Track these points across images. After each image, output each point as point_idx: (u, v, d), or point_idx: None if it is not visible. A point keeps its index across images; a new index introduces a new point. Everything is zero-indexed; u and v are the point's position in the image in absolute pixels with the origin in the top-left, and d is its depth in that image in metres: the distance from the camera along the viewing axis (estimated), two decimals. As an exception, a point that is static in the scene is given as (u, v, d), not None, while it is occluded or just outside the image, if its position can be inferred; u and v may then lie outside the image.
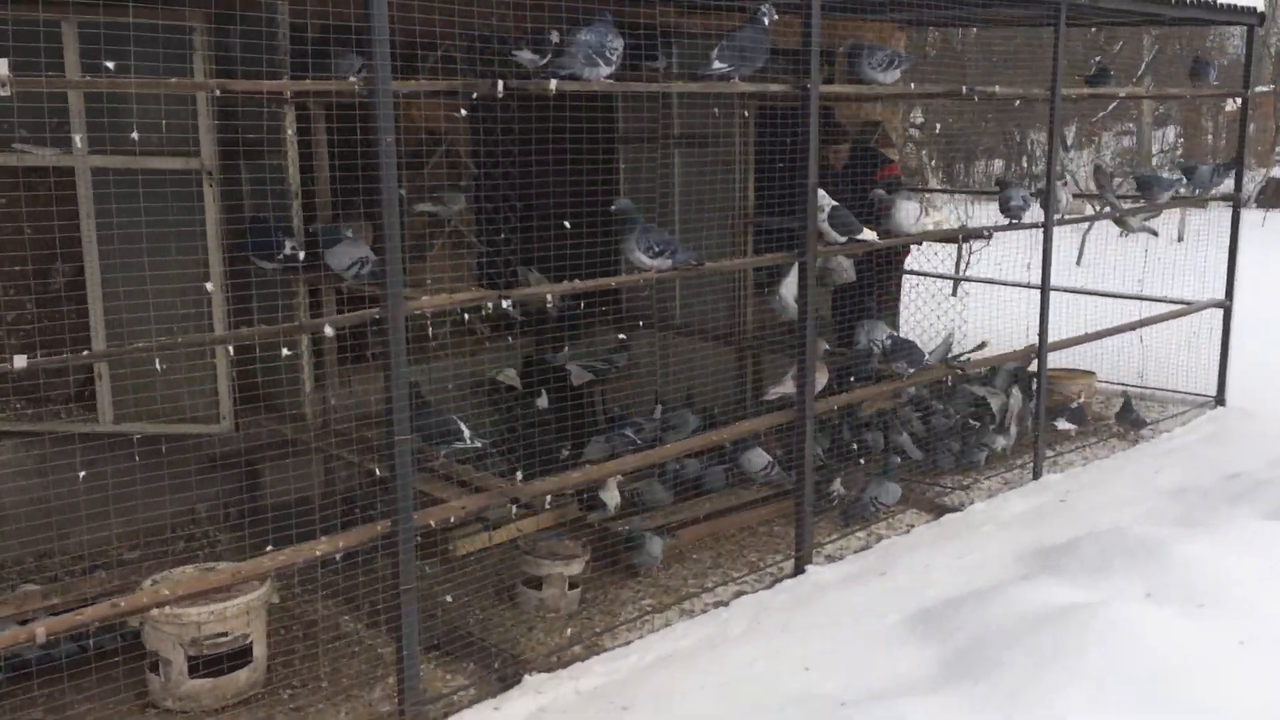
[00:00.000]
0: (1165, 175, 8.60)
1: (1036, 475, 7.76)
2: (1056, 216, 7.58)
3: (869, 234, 6.29)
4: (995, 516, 7.02)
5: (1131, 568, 5.54)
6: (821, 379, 6.33)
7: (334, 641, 5.33)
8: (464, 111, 5.38)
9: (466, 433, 5.45)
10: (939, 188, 21.29)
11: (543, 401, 7.10)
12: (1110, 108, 23.52)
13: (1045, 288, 7.65)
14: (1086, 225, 16.65)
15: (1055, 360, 8.99)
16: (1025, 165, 25.70)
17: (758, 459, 6.91)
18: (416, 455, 5.43)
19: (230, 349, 5.87)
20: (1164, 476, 7.70)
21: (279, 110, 5.71)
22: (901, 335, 7.44)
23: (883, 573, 6.14)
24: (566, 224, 5.67)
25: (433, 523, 4.65)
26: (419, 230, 7.72)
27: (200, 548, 6.26)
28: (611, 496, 6.33)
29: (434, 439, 5.40)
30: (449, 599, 5.49)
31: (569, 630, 5.53)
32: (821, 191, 6.15)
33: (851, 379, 6.74)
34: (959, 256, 15.60)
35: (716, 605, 5.81)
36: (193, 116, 5.82)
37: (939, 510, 7.17)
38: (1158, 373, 9.88)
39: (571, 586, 5.75)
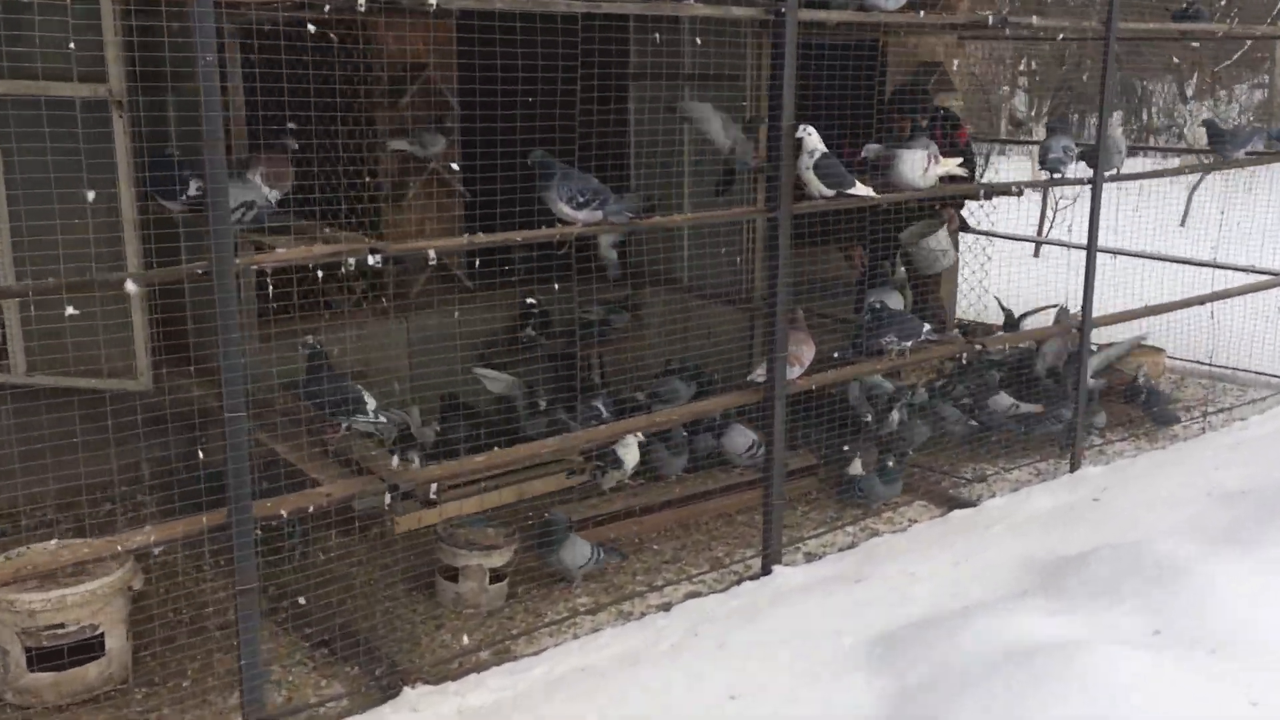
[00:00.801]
0: (1245, 127, 7.44)
1: (1074, 467, 6.82)
2: (1109, 172, 6.58)
3: (863, 189, 5.42)
4: (1011, 515, 6.13)
5: (1143, 595, 4.65)
6: (807, 353, 5.51)
7: (218, 632, 4.78)
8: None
9: (370, 405, 4.81)
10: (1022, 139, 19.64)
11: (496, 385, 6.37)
12: (1235, 56, 21.61)
13: (1091, 251, 6.65)
14: (1194, 182, 15.29)
15: (1111, 334, 8.02)
16: (1145, 117, 23.98)
17: (740, 439, 6.14)
18: (313, 427, 4.85)
19: (139, 298, 5.33)
20: (1223, 475, 6.67)
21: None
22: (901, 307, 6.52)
23: (859, 579, 5.34)
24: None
25: (284, 513, 4.02)
26: (395, 173, 7.09)
27: (109, 516, 5.76)
28: (630, 454, 5.77)
29: (332, 410, 4.77)
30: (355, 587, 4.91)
31: (477, 633, 4.89)
32: (810, 130, 5.31)
33: (835, 355, 5.89)
34: (1042, 214, 14.41)
35: (659, 609, 5.10)
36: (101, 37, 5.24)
37: (950, 504, 6.32)
38: (1236, 350, 8.75)
39: (496, 579, 5.10)
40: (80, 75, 5.19)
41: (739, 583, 5.36)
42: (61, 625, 4.24)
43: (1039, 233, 13.64)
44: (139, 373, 5.68)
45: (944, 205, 7.41)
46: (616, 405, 6.57)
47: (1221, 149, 7.15)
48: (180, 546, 5.13)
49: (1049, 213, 14.23)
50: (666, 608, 5.13)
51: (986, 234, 8.53)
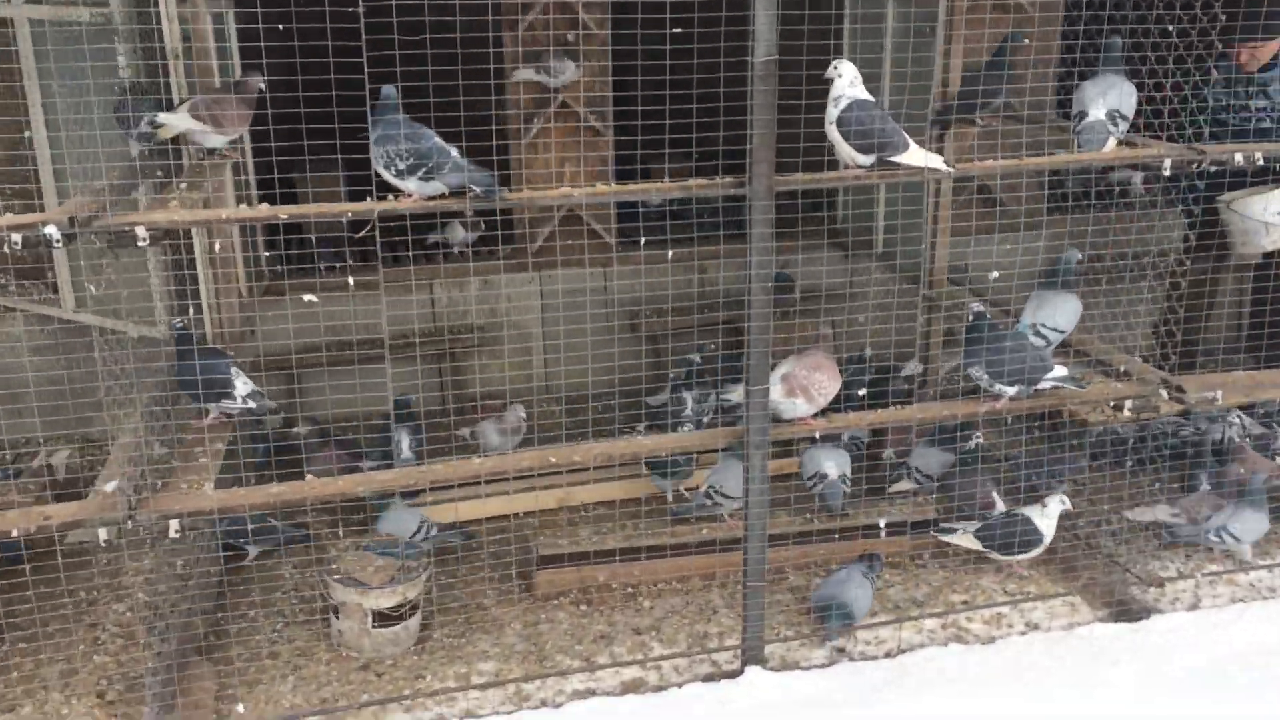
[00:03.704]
0: None
1: (1357, 579, 4.55)
2: None
3: (918, 154, 3.65)
4: (1206, 644, 4.14)
5: None
6: (823, 384, 3.91)
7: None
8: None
9: (240, 389, 3.98)
10: None
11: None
12: None
13: None
14: None
15: None
16: None
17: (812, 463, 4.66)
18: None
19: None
20: None
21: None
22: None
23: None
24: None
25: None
26: (523, 106, 6.10)
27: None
28: None
29: (198, 396, 4.00)
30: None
31: (326, 688, 3.96)
32: (841, 67, 3.69)
33: (859, 391, 4.18)
34: None
35: (573, 698, 3.89)
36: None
37: (1112, 607, 4.39)
38: None
39: (386, 621, 4.12)
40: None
41: (696, 681, 3.98)
42: None
43: None
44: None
45: None
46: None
47: None
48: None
49: None
50: (585, 696, 3.91)
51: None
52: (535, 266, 6.34)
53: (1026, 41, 4.53)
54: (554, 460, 3.83)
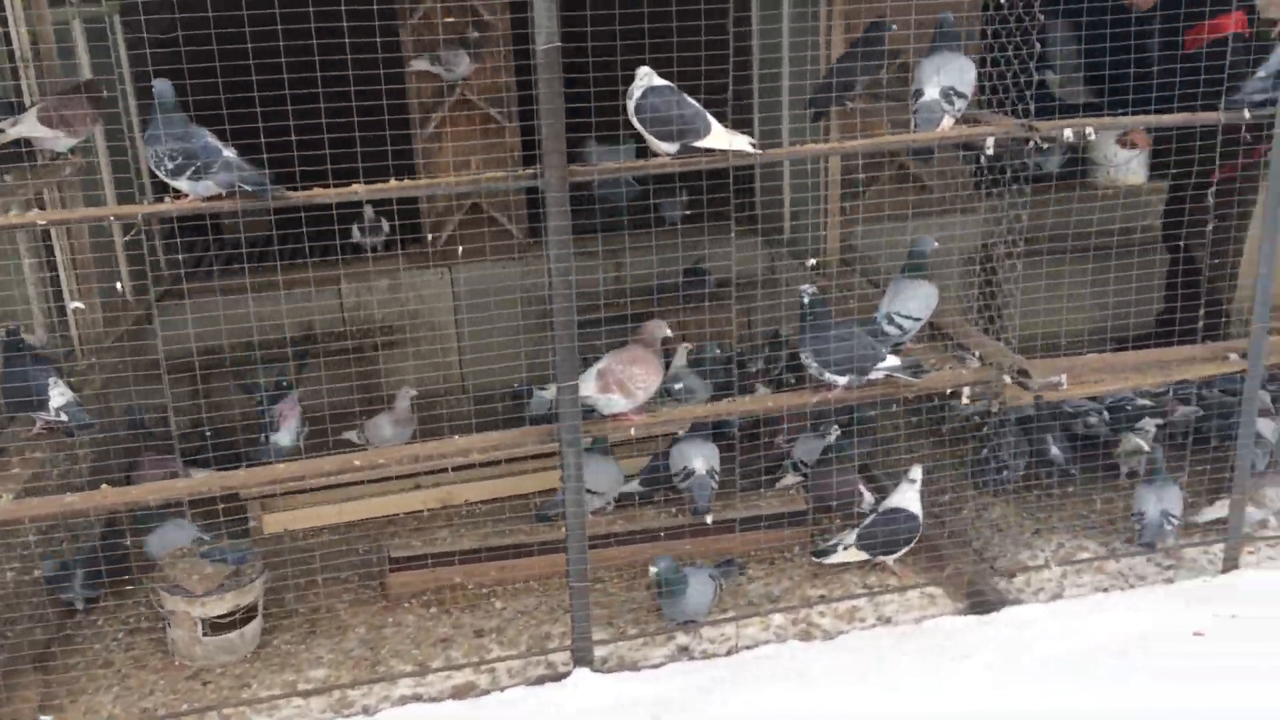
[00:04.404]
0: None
1: (1229, 565, 4.38)
2: None
3: (722, 137, 3.54)
4: (1065, 638, 4.01)
5: None
6: (643, 379, 3.81)
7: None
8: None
9: (56, 400, 3.94)
10: None
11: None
12: None
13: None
14: None
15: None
16: None
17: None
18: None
19: None
20: None
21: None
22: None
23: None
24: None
25: None
26: (422, 97, 6.04)
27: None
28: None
29: (14, 406, 3.97)
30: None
31: (148, 699, 3.91)
32: (644, 67, 3.61)
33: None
34: None
35: (379, 709, 3.82)
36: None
37: (973, 600, 4.27)
38: None
39: (223, 628, 4.08)
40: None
41: (540, 681, 3.91)
42: None
43: None
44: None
45: None
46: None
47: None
48: None
49: None
50: (409, 702, 3.85)
51: None
52: (440, 261, 6.27)
53: (894, 28, 4.41)
54: (379, 462, 3.77)
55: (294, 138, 3.90)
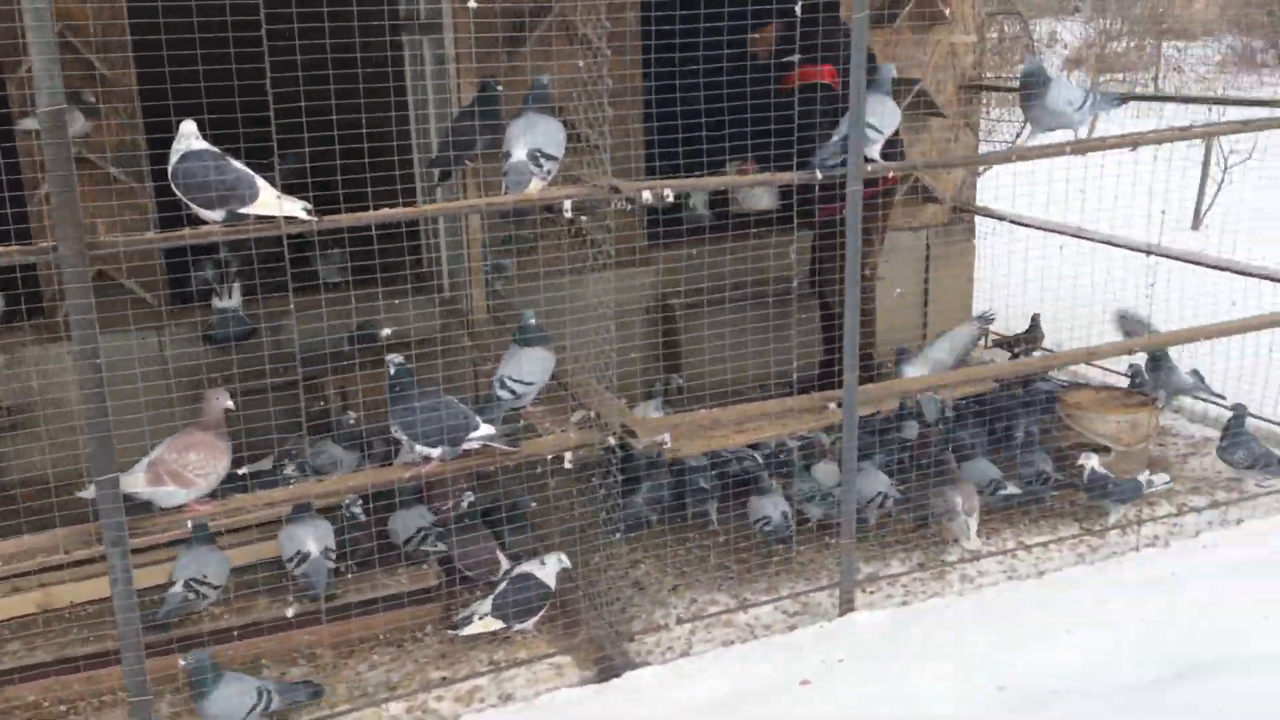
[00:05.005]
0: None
1: (845, 608, 4.45)
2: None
3: (272, 203, 3.33)
4: (668, 698, 3.95)
5: None
6: (205, 464, 3.54)
7: None
8: None
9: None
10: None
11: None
12: None
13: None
14: None
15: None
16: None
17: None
18: None
19: None
20: (1064, 649, 4.12)
21: None
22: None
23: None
24: None
25: None
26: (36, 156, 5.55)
27: None
28: None
29: None
30: None
31: None
32: (189, 124, 3.37)
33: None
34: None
35: None
36: None
37: (601, 666, 4.16)
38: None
39: None
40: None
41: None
42: None
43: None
44: None
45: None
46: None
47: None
48: None
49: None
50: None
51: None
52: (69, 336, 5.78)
53: (500, 88, 4.33)
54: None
55: None
